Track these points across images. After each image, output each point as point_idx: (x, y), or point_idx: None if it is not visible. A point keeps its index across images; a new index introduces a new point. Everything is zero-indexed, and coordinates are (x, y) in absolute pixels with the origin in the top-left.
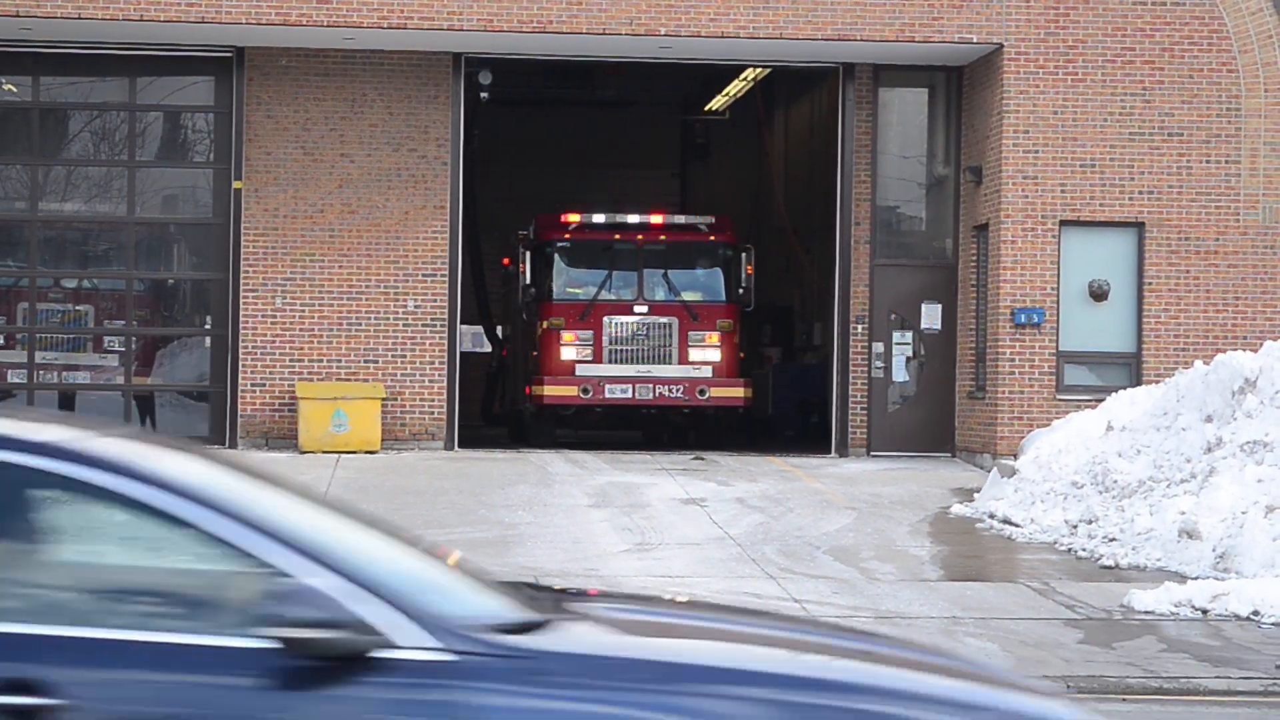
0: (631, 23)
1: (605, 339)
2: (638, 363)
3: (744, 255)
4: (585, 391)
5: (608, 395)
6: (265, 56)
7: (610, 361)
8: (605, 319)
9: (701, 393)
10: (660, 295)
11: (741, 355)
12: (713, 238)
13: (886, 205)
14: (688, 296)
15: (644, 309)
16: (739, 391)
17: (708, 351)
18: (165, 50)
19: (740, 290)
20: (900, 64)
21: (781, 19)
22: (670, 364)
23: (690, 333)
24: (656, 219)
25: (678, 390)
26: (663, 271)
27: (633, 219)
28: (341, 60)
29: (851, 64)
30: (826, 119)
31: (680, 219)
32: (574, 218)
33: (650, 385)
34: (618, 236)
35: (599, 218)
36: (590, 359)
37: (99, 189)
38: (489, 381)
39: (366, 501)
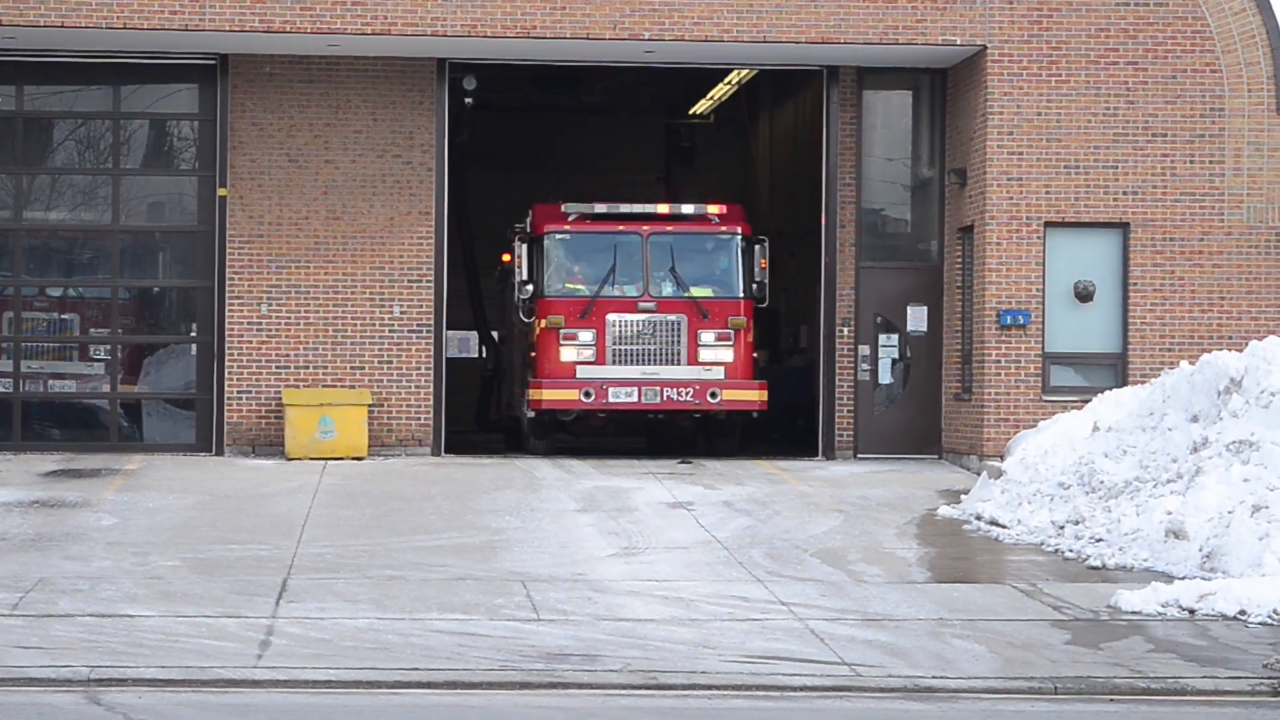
0: (615, 27)
1: (608, 338)
2: (643, 364)
3: (758, 247)
4: (587, 395)
5: (611, 399)
6: (249, 63)
7: (614, 363)
8: (608, 317)
9: (713, 396)
10: (667, 291)
11: (755, 355)
12: (724, 228)
13: (871, 208)
14: (697, 292)
15: (650, 305)
16: (754, 394)
17: (719, 351)
18: (149, 58)
19: (755, 285)
20: (884, 66)
21: (765, 22)
22: (679, 365)
23: (700, 331)
24: (663, 208)
25: (687, 393)
26: (670, 265)
27: (637, 208)
28: (325, 67)
29: (836, 67)
30: (811, 122)
31: (688, 208)
32: (574, 206)
33: (657, 388)
34: (621, 227)
35: (600, 207)
36: (592, 360)
37: (84, 197)
38: (484, 387)
39: (353, 508)
